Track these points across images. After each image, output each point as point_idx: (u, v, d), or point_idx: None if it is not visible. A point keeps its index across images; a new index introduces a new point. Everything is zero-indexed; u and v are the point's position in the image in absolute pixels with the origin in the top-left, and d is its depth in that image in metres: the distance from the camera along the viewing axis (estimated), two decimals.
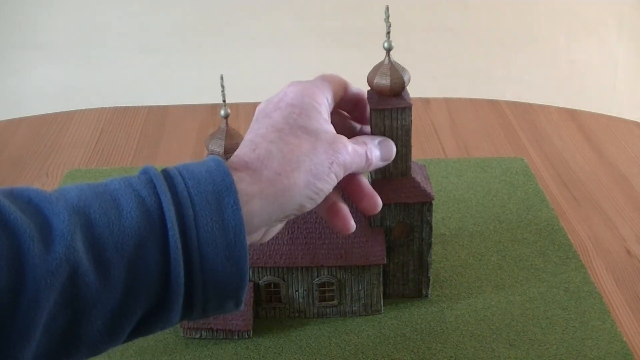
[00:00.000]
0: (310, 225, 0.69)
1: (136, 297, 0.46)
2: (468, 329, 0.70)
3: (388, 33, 0.64)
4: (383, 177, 0.68)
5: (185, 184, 0.48)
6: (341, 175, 0.55)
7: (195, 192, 0.48)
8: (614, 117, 1.10)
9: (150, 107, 1.16)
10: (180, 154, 1.03)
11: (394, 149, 0.62)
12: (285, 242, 0.69)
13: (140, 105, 1.16)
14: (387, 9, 0.63)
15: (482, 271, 0.77)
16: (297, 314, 0.71)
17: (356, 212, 0.70)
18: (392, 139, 0.62)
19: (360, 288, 0.71)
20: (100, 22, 1.98)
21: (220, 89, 0.67)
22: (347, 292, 0.71)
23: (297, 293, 0.70)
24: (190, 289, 0.48)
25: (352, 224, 0.59)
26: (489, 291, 0.74)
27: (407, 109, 0.64)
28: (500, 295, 0.74)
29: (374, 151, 0.59)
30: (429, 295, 0.74)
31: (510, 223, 0.84)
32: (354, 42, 1.87)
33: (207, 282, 0.48)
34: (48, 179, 0.97)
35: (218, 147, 0.67)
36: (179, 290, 0.47)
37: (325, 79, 0.59)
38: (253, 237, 0.54)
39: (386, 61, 0.65)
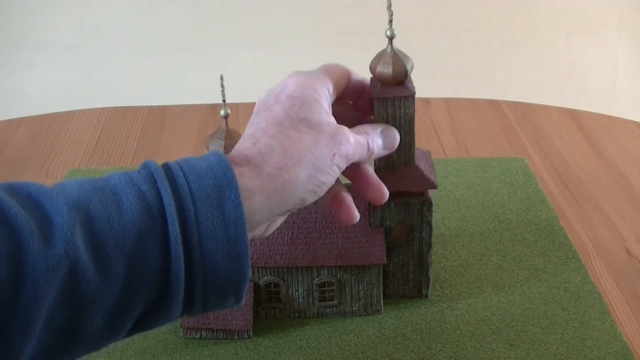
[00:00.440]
0: (310, 225, 0.69)
1: (136, 293, 0.46)
2: (468, 329, 0.70)
3: (390, 21, 0.63)
4: (386, 166, 0.66)
5: (185, 179, 0.48)
6: (343, 167, 0.55)
7: (196, 186, 0.48)
8: (614, 117, 1.10)
9: (150, 107, 1.16)
10: (180, 154, 1.02)
11: (397, 137, 0.62)
12: (285, 242, 0.69)
13: (140, 105, 1.16)
14: None
15: (482, 271, 0.77)
16: (297, 314, 0.71)
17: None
18: (395, 128, 0.62)
19: (360, 288, 0.71)
20: (101, 22, 1.98)
21: (220, 89, 0.67)
22: (347, 292, 0.71)
23: (297, 293, 0.70)
24: (190, 284, 0.48)
25: (356, 214, 0.59)
26: (489, 291, 0.74)
27: (410, 97, 0.64)
28: (500, 295, 0.74)
29: (376, 140, 0.59)
30: (429, 295, 0.74)
31: (510, 223, 0.84)
32: (354, 42, 1.87)
33: (207, 278, 0.48)
34: (48, 179, 0.97)
35: (218, 147, 0.67)
36: (180, 285, 0.47)
37: (327, 69, 0.59)
38: (255, 232, 0.53)
39: (389, 49, 0.64)
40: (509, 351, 0.67)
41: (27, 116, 1.15)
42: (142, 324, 0.49)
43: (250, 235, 0.51)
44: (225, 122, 0.68)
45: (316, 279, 0.70)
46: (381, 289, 0.71)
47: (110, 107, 1.16)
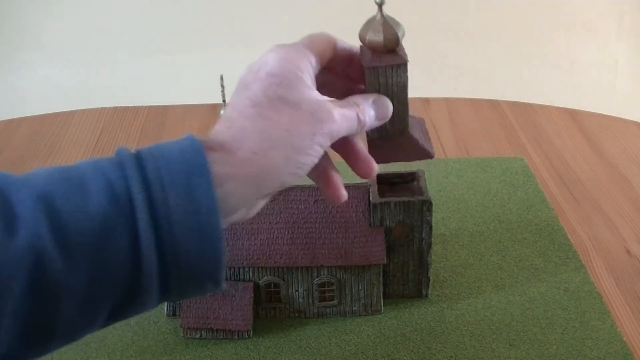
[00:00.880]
0: (310, 225, 0.69)
1: (107, 283, 0.46)
2: (468, 329, 0.70)
3: None
4: (380, 137, 0.63)
5: (156, 164, 0.47)
6: (327, 144, 0.53)
7: (166, 172, 0.47)
8: (614, 117, 1.10)
9: (150, 107, 1.16)
10: None
11: (390, 107, 0.59)
12: (285, 242, 0.69)
13: (140, 105, 1.16)
14: None
15: (482, 271, 0.77)
16: (297, 314, 0.71)
17: (357, 213, 0.70)
18: (388, 97, 0.59)
19: (360, 288, 0.71)
20: (101, 22, 1.98)
21: (220, 89, 0.67)
22: (347, 292, 0.71)
23: (297, 293, 0.70)
24: (164, 272, 0.47)
25: (344, 193, 0.57)
26: (489, 291, 0.74)
27: (402, 65, 0.60)
28: (500, 295, 0.74)
29: (368, 111, 0.56)
30: (429, 295, 0.74)
31: (510, 223, 0.84)
32: (354, 42, 1.87)
33: (181, 264, 0.47)
34: None
35: None
36: (152, 273, 0.46)
37: (311, 39, 0.56)
38: (234, 217, 0.51)
39: (378, 16, 0.60)
40: (509, 351, 0.67)
41: (27, 116, 1.15)
42: (118, 313, 0.48)
43: (228, 220, 0.49)
44: None
45: (316, 279, 0.70)
46: (381, 289, 0.71)
47: (110, 107, 1.16)
